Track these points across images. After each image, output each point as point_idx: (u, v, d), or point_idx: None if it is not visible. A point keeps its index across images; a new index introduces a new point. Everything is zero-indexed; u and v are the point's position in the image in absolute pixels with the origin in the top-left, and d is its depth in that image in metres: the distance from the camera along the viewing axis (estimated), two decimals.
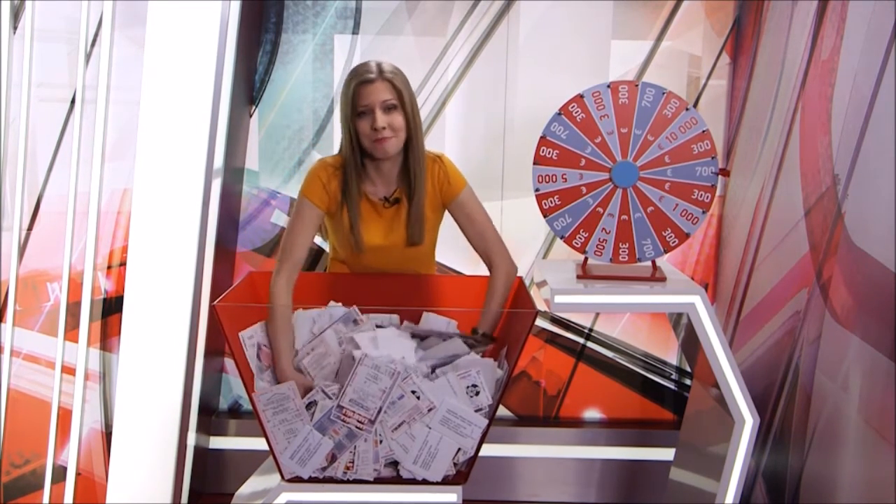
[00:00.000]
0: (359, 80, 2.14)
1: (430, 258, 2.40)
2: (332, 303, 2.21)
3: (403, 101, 2.15)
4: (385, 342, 2.05)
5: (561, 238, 2.11)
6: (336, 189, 2.20)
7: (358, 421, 1.96)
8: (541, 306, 2.09)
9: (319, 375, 2.06)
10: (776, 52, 2.86)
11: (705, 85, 3.30)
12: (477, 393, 1.98)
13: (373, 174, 2.23)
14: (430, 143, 3.28)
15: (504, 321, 2.21)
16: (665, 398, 3.42)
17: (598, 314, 3.40)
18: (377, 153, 2.16)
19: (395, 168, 2.22)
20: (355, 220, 2.21)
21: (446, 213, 2.32)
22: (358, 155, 2.18)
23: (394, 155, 2.18)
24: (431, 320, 2.24)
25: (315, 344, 2.10)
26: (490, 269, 2.26)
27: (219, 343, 3.23)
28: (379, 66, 2.16)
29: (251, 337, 2.10)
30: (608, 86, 2.06)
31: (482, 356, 2.08)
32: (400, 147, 2.18)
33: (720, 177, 2.06)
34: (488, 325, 2.18)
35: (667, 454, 3.12)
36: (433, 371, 2.01)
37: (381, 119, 2.12)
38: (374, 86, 2.13)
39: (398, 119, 2.14)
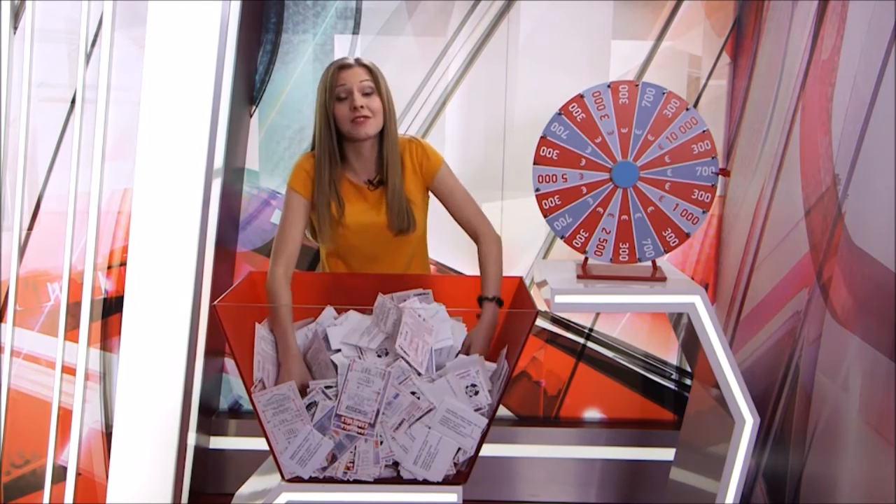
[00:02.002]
0: (337, 65, 2.24)
1: (422, 245, 2.41)
2: (328, 307, 2.21)
3: (380, 87, 2.24)
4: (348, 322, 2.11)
5: (561, 238, 2.11)
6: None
7: (358, 427, 1.96)
8: (541, 306, 2.09)
9: (317, 371, 2.07)
10: (776, 52, 2.87)
11: (705, 85, 3.30)
12: (476, 392, 1.98)
13: (353, 160, 2.28)
14: (431, 143, 3.28)
15: (504, 321, 2.21)
16: (665, 398, 3.42)
17: (598, 314, 3.40)
18: (355, 133, 2.22)
19: (373, 153, 2.28)
20: (324, 204, 2.24)
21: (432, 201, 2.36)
22: (335, 142, 2.24)
23: (372, 136, 2.25)
24: None
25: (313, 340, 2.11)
26: (477, 240, 2.31)
27: (219, 343, 3.23)
28: (355, 57, 2.27)
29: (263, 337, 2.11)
30: (608, 86, 2.06)
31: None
32: (378, 129, 2.25)
33: (720, 177, 2.06)
34: (493, 288, 2.23)
35: (667, 454, 3.12)
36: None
37: (360, 99, 2.20)
38: (352, 70, 2.23)
39: (375, 102, 2.23)
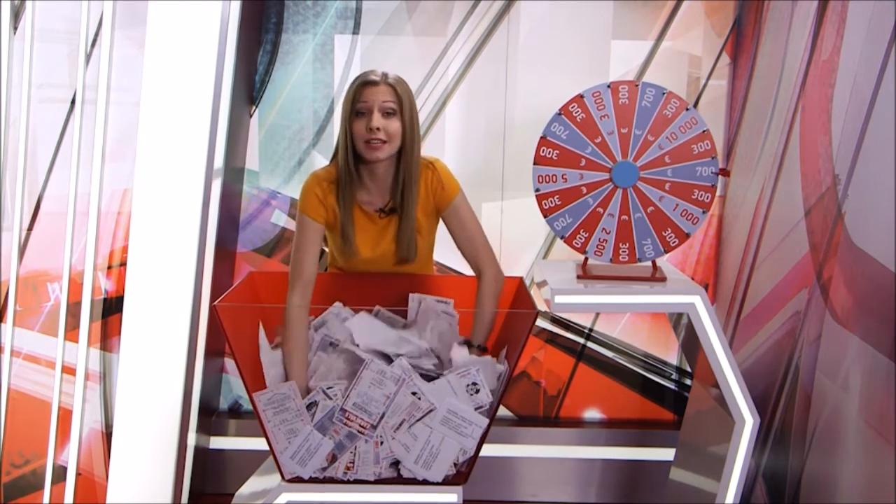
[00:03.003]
0: (362, 80, 2.16)
1: (427, 266, 2.40)
2: (337, 303, 2.21)
3: (403, 108, 2.15)
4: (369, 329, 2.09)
5: (561, 238, 2.11)
6: (333, 202, 2.21)
7: (360, 425, 1.96)
8: (541, 306, 2.09)
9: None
10: (776, 53, 2.87)
11: (705, 85, 3.30)
12: (477, 391, 1.98)
13: (367, 181, 2.22)
14: (430, 144, 3.29)
15: (504, 321, 2.21)
16: (665, 398, 3.42)
17: (598, 314, 3.40)
18: (367, 156, 2.15)
19: (388, 176, 2.21)
20: (349, 231, 2.22)
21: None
22: (352, 160, 2.18)
23: (384, 159, 2.17)
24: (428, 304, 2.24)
25: (315, 366, 2.10)
26: (478, 276, 2.26)
27: (219, 343, 3.23)
28: (384, 73, 2.18)
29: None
30: (608, 86, 2.06)
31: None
32: (392, 153, 2.17)
33: (720, 177, 2.06)
34: (482, 336, 2.18)
35: (667, 454, 3.12)
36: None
37: (377, 120, 2.12)
38: (376, 87, 2.14)
39: (395, 125, 2.14)
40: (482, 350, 2.16)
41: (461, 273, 3.24)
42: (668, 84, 2.15)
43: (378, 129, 2.12)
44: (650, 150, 2.06)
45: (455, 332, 2.21)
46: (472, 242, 2.26)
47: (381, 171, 2.20)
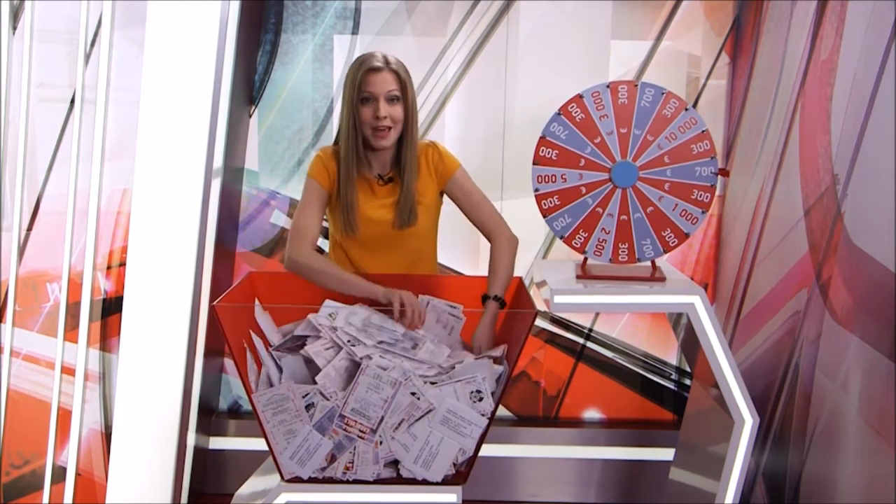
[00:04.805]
0: (367, 67, 2.23)
1: (430, 248, 2.41)
2: (327, 301, 2.20)
3: (406, 93, 2.24)
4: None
5: (560, 238, 2.11)
6: (335, 169, 2.29)
7: (360, 430, 1.96)
8: (541, 306, 2.09)
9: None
10: (776, 52, 2.87)
11: (705, 85, 3.30)
12: (480, 399, 1.97)
13: (370, 157, 2.31)
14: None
15: (504, 321, 2.21)
16: (665, 398, 3.42)
17: (597, 314, 3.40)
18: (375, 143, 2.25)
19: (390, 154, 2.31)
20: (352, 197, 2.27)
21: (444, 207, 2.34)
22: (360, 139, 2.26)
23: (390, 146, 2.27)
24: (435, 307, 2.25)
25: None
26: (490, 240, 2.32)
27: (219, 343, 3.23)
28: (385, 57, 2.25)
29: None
30: (607, 86, 2.06)
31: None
32: (396, 138, 2.27)
33: (720, 177, 2.06)
34: (499, 288, 2.23)
35: (667, 454, 3.12)
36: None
37: (384, 109, 2.21)
38: (381, 75, 2.22)
39: (399, 111, 2.24)
40: (499, 301, 2.20)
41: (461, 273, 3.24)
42: (668, 84, 2.15)
43: (385, 117, 2.21)
44: (649, 149, 2.06)
45: (457, 334, 2.21)
46: (478, 210, 2.33)
47: (384, 152, 2.30)
